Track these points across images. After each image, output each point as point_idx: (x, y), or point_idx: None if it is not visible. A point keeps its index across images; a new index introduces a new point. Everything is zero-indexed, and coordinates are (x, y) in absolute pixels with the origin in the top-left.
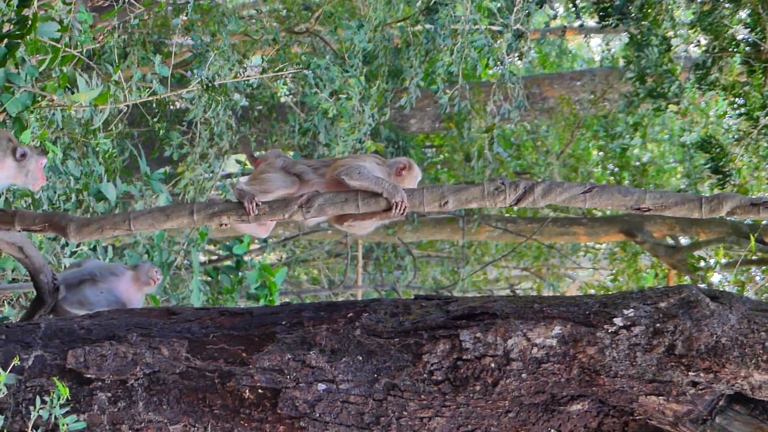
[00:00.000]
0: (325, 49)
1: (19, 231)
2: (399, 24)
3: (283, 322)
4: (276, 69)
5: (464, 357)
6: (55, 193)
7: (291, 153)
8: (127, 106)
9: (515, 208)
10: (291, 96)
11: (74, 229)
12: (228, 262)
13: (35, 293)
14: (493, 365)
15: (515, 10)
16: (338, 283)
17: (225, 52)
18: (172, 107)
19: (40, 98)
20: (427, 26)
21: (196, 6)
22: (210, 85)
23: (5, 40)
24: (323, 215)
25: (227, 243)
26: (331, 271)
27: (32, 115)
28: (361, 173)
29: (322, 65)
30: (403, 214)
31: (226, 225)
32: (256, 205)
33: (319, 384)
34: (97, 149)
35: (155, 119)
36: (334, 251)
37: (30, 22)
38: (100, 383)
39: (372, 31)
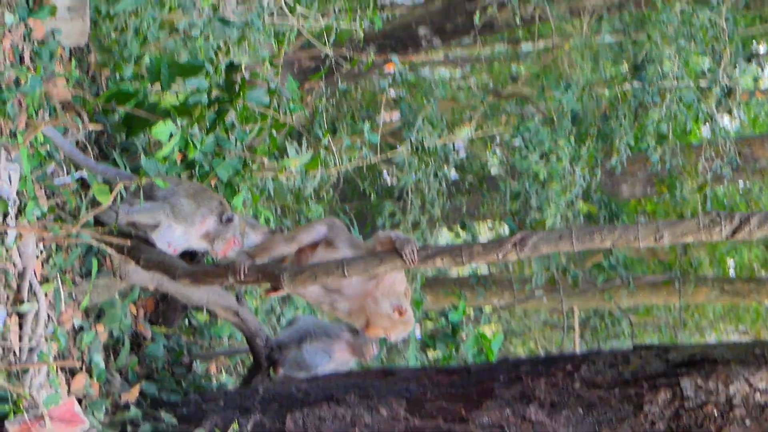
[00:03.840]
0: (532, 113)
1: (232, 283)
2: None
3: (501, 378)
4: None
5: (686, 405)
6: None
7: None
8: (338, 175)
9: (727, 240)
10: (500, 163)
11: (288, 278)
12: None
13: (252, 358)
14: (715, 412)
15: (723, 64)
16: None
17: (432, 118)
18: (381, 182)
19: (250, 162)
20: (634, 84)
21: (404, 80)
22: (419, 147)
23: (215, 106)
24: (537, 253)
25: (442, 311)
26: (547, 340)
27: (243, 183)
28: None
29: (531, 128)
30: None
31: (441, 265)
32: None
33: None
34: (309, 217)
35: (365, 183)
36: (550, 321)
37: (238, 87)
38: None
39: (580, 91)
